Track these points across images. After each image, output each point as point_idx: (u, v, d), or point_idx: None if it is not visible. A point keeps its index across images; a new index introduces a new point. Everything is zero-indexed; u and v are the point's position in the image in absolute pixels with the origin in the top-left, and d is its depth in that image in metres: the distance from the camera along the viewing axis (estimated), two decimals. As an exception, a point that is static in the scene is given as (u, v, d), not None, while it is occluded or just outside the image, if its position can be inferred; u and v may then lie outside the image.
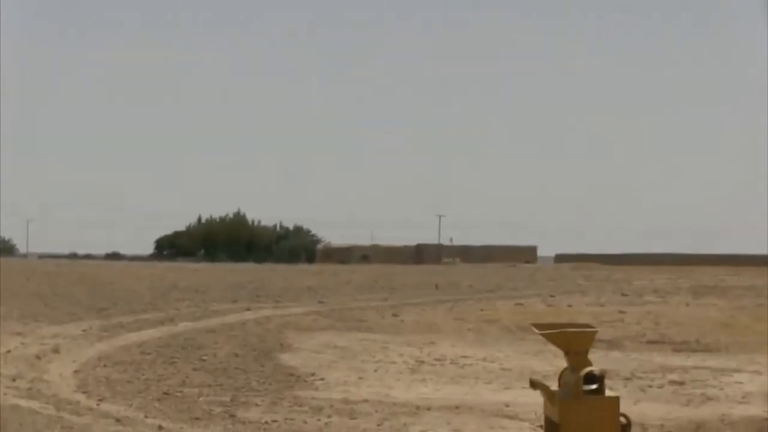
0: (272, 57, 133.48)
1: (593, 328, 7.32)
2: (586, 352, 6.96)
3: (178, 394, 10.93)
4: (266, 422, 9.33)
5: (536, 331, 7.30)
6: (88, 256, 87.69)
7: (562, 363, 7.13)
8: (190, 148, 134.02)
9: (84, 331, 17.52)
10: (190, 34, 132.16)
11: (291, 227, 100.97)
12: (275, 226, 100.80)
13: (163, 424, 9.10)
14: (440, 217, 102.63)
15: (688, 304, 25.87)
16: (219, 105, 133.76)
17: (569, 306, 25.06)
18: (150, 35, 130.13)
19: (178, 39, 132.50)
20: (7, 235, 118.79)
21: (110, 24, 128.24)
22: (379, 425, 9.27)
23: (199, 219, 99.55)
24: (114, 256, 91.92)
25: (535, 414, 9.16)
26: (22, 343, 15.20)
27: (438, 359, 14.32)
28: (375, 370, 13.12)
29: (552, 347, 7.52)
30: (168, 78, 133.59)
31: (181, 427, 9.07)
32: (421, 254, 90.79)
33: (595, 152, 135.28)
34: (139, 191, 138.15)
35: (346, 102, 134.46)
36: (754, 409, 10.25)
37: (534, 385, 7.28)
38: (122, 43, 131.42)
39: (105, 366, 13.15)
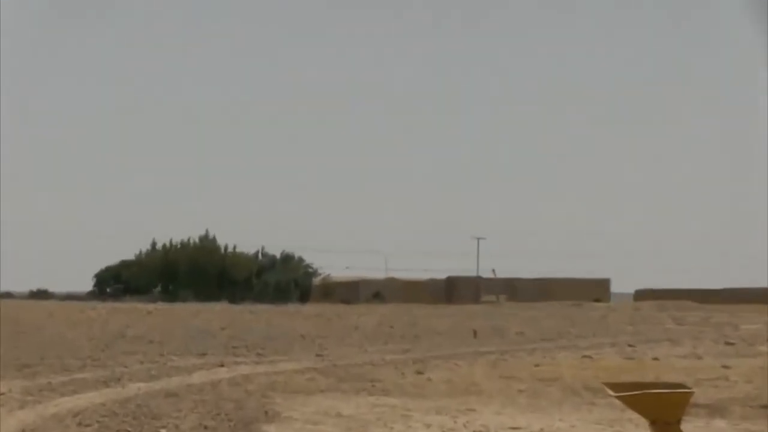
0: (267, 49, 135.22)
1: (688, 388, 7.32)
2: (679, 422, 6.96)
3: (129, 479, 10.94)
4: None
5: (611, 392, 7.31)
6: (6, 295, 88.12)
7: (647, 436, 7.11)
8: (141, 152, 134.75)
9: (2, 394, 17.56)
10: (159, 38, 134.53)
11: (277, 255, 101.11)
12: (256, 253, 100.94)
13: None
14: (478, 240, 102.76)
15: (815, 356, 25.78)
16: (183, 99, 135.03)
17: (655, 359, 25.00)
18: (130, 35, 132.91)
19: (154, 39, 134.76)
20: None
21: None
22: None
23: (154, 244, 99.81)
24: (41, 295, 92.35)
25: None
26: None
27: (478, 431, 14.31)
28: (393, 447, 13.13)
29: (633, 414, 7.51)
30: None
31: None
32: (452, 290, 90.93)
33: (683, 155, 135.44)
34: (75, 209, 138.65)
35: (355, 97, 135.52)
36: None
37: (609, 465, 7.29)
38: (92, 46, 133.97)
39: (30, 442, 13.17)
